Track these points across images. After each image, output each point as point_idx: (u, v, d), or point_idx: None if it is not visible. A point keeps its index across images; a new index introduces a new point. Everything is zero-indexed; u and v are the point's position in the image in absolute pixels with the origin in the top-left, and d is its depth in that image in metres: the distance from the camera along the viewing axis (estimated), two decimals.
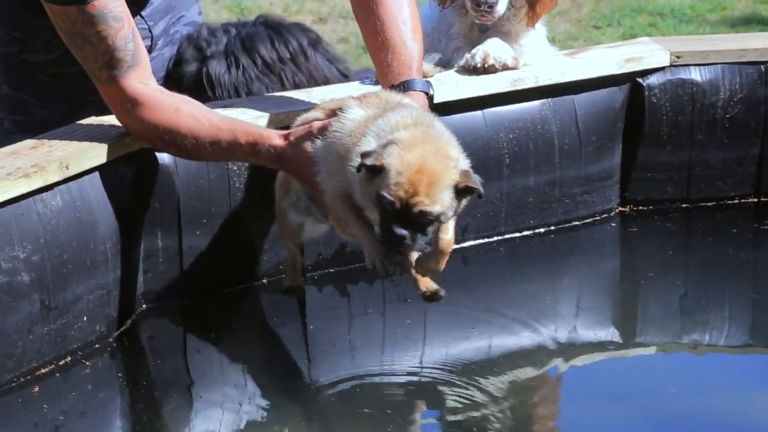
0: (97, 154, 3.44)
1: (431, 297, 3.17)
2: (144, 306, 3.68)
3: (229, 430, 3.23)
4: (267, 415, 3.26)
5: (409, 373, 3.41)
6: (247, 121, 3.54)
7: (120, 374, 3.49)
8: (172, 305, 3.70)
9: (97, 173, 3.45)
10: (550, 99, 4.10)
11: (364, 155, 3.02)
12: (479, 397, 3.28)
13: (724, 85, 4.26)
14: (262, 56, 3.99)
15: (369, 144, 3.08)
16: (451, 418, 3.26)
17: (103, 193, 3.47)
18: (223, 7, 8.00)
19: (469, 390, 3.30)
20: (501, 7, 3.97)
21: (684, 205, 4.35)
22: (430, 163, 2.99)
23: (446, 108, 3.75)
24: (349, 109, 3.25)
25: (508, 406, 3.25)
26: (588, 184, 4.22)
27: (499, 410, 3.23)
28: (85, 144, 3.45)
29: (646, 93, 4.22)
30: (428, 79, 3.63)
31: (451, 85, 3.95)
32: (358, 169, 3.02)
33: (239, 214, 3.75)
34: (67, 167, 3.32)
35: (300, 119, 3.43)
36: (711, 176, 4.34)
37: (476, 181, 3.05)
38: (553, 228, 4.18)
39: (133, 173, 3.58)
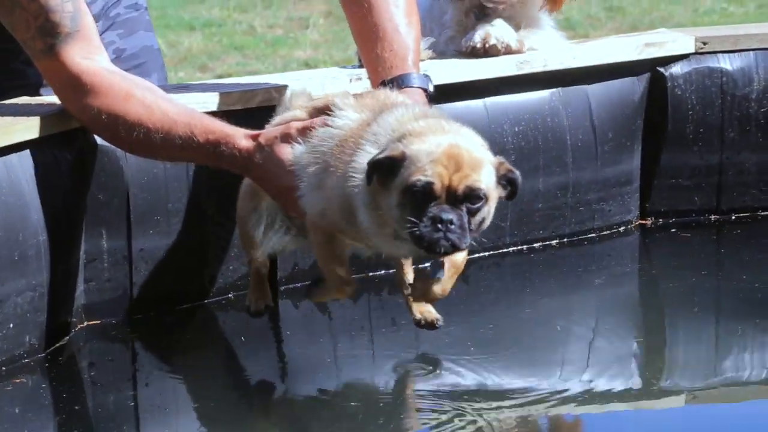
0: (27, 127, 3.20)
1: (427, 326, 3.09)
2: (85, 321, 3.46)
3: None
4: None
5: (400, 403, 3.16)
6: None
7: (52, 398, 3.20)
8: (119, 320, 3.51)
9: (27, 152, 3.21)
10: (560, 88, 3.92)
11: (371, 162, 2.77)
12: None
13: (758, 74, 4.06)
14: None
15: (366, 156, 2.81)
16: None
17: (34, 175, 3.21)
18: None
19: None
20: None
21: (713, 217, 4.17)
22: (461, 142, 2.78)
23: (441, 94, 3.49)
24: (341, 110, 2.97)
25: None
26: (604, 190, 4.05)
27: None
28: (13, 118, 3.22)
29: (669, 84, 4.04)
30: (425, 72, 3.39)
31: (447, 67, 3.76)
32: (369, 174, 2.75)
33: (201, 210, 3.55)
34: None
35: (276, 118, 3.19)
36: (745, 183, 4.15)
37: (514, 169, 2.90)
38: (565, 240, 4.00)
39: (73, 157, 3.34)
